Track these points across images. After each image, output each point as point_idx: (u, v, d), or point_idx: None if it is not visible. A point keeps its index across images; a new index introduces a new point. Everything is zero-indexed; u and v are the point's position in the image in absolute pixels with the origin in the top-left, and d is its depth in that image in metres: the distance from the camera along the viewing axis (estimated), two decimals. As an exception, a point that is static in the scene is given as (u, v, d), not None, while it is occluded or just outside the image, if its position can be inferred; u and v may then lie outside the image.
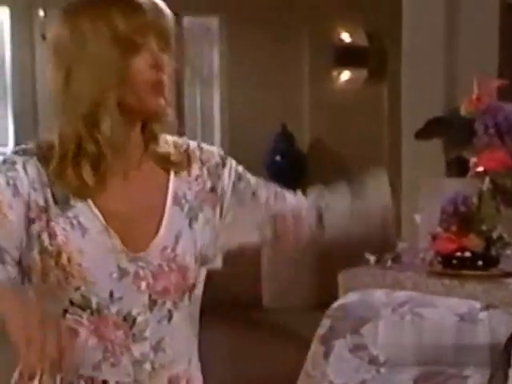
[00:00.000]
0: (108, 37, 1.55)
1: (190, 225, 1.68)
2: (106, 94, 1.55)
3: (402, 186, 5.38)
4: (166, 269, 1.62)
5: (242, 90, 7.10)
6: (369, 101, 7.20)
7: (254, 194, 1.78)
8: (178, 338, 1.67)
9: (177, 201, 1.67)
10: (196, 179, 1.71)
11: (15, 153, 1.62)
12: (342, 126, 7.15)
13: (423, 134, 4.97)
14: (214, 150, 1.80)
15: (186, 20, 7.04)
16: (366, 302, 2.05)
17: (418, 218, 4.40)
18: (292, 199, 1.81)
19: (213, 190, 1.72)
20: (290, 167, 7.04)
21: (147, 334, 1.62)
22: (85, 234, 1.57)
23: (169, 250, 1.63)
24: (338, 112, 7.15)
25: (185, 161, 1.70)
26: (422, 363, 1.91)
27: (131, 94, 1.57)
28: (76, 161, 1.57)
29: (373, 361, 1.94)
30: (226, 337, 5.72)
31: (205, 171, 1.73)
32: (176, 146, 1.71)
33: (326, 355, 1.99)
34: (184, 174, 1.70)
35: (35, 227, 1.57)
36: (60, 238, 1.56)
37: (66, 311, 1.58)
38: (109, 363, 1.60)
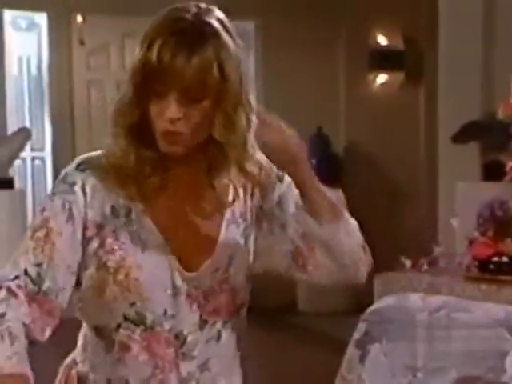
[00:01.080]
0: (133, 71, 1.54)
1: (246, 243, 1.66)
2: (121, 122, 1.56)
3: (438, 190, 5.35)
4: (218, 290, 1.62)
5: (278, 93, 7.11)
6: (405, 104, 7.17)
7: (282, 225, 1.66)
8: (224, 357, 1.67)
9: (234, 219, 1.65)
10: (251, 196, 1.68)
11: (78, 167, 1.59)
12: (377, 129, 7.13)
13: (460, 137, 4.94)
14: (269, 168, 1.68)
15: (222, 24, 7.07)
16: (402, 306, 2.04)
17: (454, 222, 4.38)
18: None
19: (261, 208, 1.69)
20: (325, 170, 7.01)
21: (195, 353, 1.62)
22: (144, 250, 1.57)
23: (221, 272, 1.62)
24: (374, 115, 7.13)
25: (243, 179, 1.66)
26: (459, 368, 1.90)
27: (154, 133, 1.57)
28: (137, 169, 1.57)
29: (409, 365, 1.93)
30: (263, 341, 5.73)
31: (258, 189, 1.68)
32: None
33: (362, 359, 1.99)
34: (241, 192, 1.67)
35: (92, 245, 1.57)
36: (119, 254, 1.56)
37: (119, 326, 1.59)
38: (157, 380, 1.60)
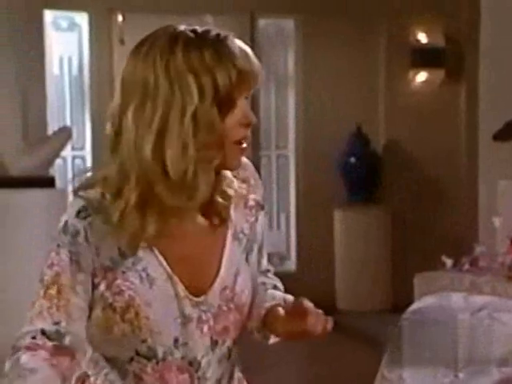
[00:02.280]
0: (210, 92, 1.47)
1: (247, 259, 1.65)
2: (208, 156, 1.50)
3: (479, 188, 5.30)
4: (225, 309, 1.61)
5: (317, 91, 7.09)
6: (446, 102, 7.11)
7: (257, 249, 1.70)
8: (230, 367, 1.67)
9: (236, 235, 1.63)
10: (251, 210, 1.67)
11: (78, 214, 1.54)
12: (418, 127, 7.08)
13: (502, 135, 4.89)
14: (262, 187, 1.70)
15: (261, 22, 7.07)
16: (443, 305, 2.02)
17: (496, 221, 4.33)
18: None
19: (256, 223, 1.69)
20: (364, 169, 6.99)
21: (209, 374, 1.62)
22: (152, 285, 1.55)
23: (228, 291, 1.60)
24: (414, 113, 7.08)
25: (243, 191, 1.65)
26: (500, 369, 1.88)
27: (217, 149, 1.51)
28: (141, 212, 1.51)
29: (450, 365, 1.91)
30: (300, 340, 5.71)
31: (255, 203, 1.68)
32: (236, 175, 1.63)
33: (403, 359, 1.97)
34: (241, 205, 1.65)
35: (100, 289, 1.55)
36: (127, 294, 1.54)
37: (132, 359, 1.58)
38: None
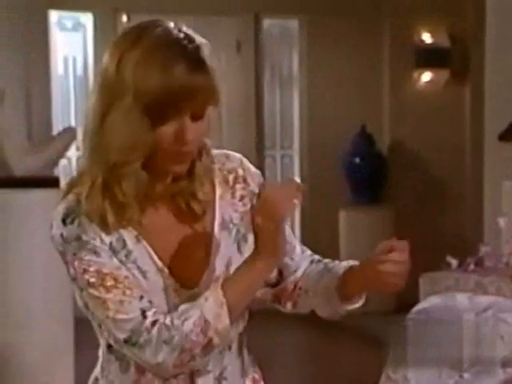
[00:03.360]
0: (144, 97, 1.48)
1: (239, 248, 1.64)
2: (127, 159, 1.51)
3: (484, 188, 5.29)
4: None
5: (322, 91, 7.09)
6: (450, 102, 7.10)
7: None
8: (238, 362, 1.67)
9: (224, 225, 1.63)
10: (241, 200, 1.66)
11: (64, 223, 1.56)
12: (422, 127, 7.07)
13: (507, 135, 4.88)
14: (256, 173, 1.70)
15: (266, 22, 7.07)
16: (448, 306, 2.02)
17: (501, 221, 4.33)
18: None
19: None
20: (369, 169, 6.98)
21: (210, 367, 1.61)
22: (145, 277, 1.56)
23: (219, 281, 1.59)
24: (419, 113, 7.07)
25: (229, 182, 1.65)
26: (506, 368, 1.87)
27: (156, 157, 1.52)
28: (102, 196, 1.54)
29: (455, 366, 1.90)
30: (307, 340, 5.72)
31: (249, 191, 1.67)
32: (220, 166, 1.65)
33: (407, 359, 1.97)
34: (228, 196, 1.65)
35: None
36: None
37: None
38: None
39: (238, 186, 1.66)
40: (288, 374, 5.24)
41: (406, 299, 4.67)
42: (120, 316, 1.52)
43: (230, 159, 1.68)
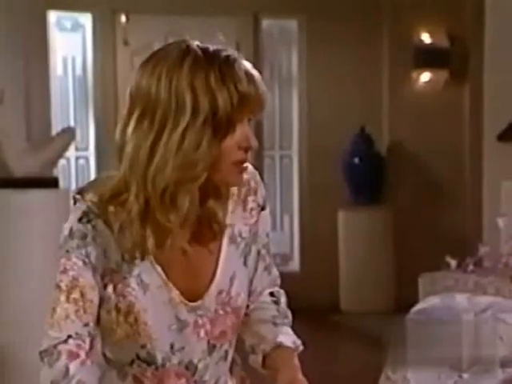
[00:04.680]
0: (205, 112, 1.47)
1: (245, 262, 1.65)
2: (190, 175, 1.48)
3: (483, 189, 5.29)
4: (222, 313, 1.61)
5: (321, 92, 7.08)
6: (449, 102, 7.10)
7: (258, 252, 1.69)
8: (233, 371, 1.69)
9: (233, 239, 1.63)
10: (251, 212, 1.66)
11: (81, 220, 1.55)
12: (421, 128, 7.07)
13: (506, 135, 4.89)
14: (263, 187, 1.70)
15: (265, 22, 7.07)
16: (448, 306, 2.02)
17: (500, 221, 4.33)
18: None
19: (257, 223, 1.68)
20: (368, 170, 6.98)
21: (207, 377, 1.63)
22: (146, 291, 1.56)
23: (224, 294, 1.61)
24: (418, 114, 7.07)
25: (241, 196, 1.65)
26: (505, 368, 1.87)
27: (215, 170, 1.51)
28: (141, 224, 1.51)
29: (455, 366, 1.90)
30: (305, 340, 5.71)
31: (257, 204, 1.67)
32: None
33: (407, 359, 1.97)
34: (239, 209, 1.65)
35: (107, 290, 1.57)
36: (129, 299, 1.56)
37: (132, 361, 1.59)
38: None
39: (249, 199, 1.66)
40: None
41: (406, 299, 4.66)
42: (53, 329, 1.54)
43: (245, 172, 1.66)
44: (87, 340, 1.54)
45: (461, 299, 1.97)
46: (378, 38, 7.09)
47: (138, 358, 1.58)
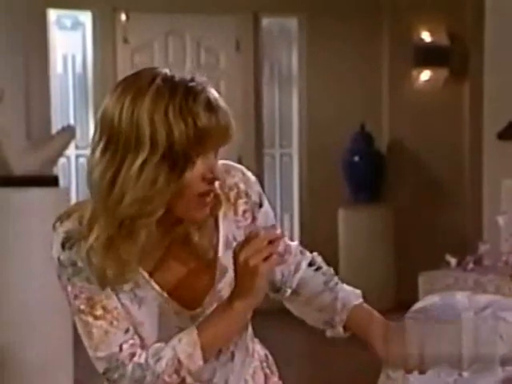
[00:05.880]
0: (163, 146, 1.43)
1: None
2: (147, 210, 1.45)
3: (483, 187, 5.29)
4: None
5: (321, 90, 7.08)
6: (449, 101, 7.10)
7: None
8: (239, 370, 1.69)
9: (229, 245, 1.61)
10: (243, 214, 1.65)
11: (63, 247, 1.54)
12: (421, 126, 7.07)
13: (506, 134, 4.88)
14: (256, 184, 1.68)
15: (265, 21, 7.07)
16: (447, 304, 2.02)
17: (500, 220, 4.33)
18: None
19: (255, 222, 1.67)
20: (368, 168, 6.98)
21: (216, 380, 1.64)
22: (141, 305, 1.56)
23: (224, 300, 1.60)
24: (418, 112, 7.07)
25: (230, 200, 1.63)
26: (506, 367, 1.87)
27: (176, 205, 1.48)
28: (105, 253, 1.50)
29: (454, 364, 1.90)
30: (305, 339, 5.71)
31: (250, 205, 1.66)
32: (221, 184, 1.60)
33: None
34: (230, 213, 1.63)
35: None
36: (125, 313, 1.56)
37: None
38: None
39: (240, 202, 1.64)
40: (286, 372, 5.24)
41: (405, 297, 4.67)
42: (100, 349, 1.53)
43: (231, 174, 1.64)
44: (137, 341, 1.54)
45: (461, 297, 1.97)
46: (378, 36, 7.08)
47: None
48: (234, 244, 1.60)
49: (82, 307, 1.55)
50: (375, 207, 6.96)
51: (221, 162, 1.61)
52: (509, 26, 5.00)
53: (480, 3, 5.44)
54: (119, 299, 1.55)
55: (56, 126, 6.30)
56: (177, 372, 1.52)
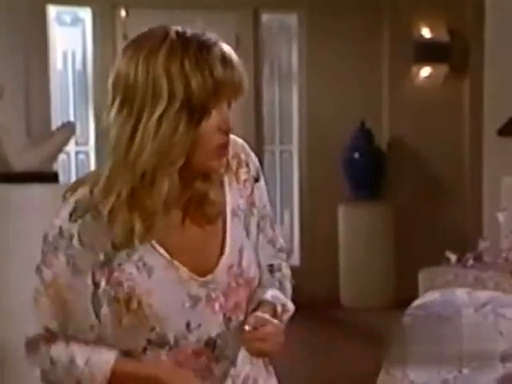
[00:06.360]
0: (180, 98, 1.49)
1: (247, 233, 1.68)
2: (168, 160, 1.51)
3: (483, 184, 5.29)
4: (234, 285, 1.62)
5: (321, 87, 7.08)
6: (449, 97, 7.10)
7: (258, 225, 1.72)
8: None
9: (235, 212, 1.66)
10: (244, 184, 1.69)
11: (70, 217, 1.58)
12: (422, 122, 7.06)
13: (506, 130, 4.88)
14: (255, 158, 1.73)
15: (265, 17, 7.06)
16: (448, 301, 2.02)
17: (500, 216, 4.33)
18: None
19: (253, 195, 1.71)
20: (368, 165, 6.98)
21: (228, 352, 1.63)
22: (151, 274, 1.57)
23: (235, 267, 1.62)
24: (418, 109, 7.07)
25: (232, 168, 1.68)
26: (505, 363, 1.87)
27: (195, 155, 1.53)
28: (129, 209, 1.53)
29: (454, 361, 1.90)
30: (305, 335, 5.72)
31: (250, 175, 1.70)
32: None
33: (407, 355, 1.97)
34: (234, 182, 1.67)
35: (101, 286, 1.58)
36: (127, 284, 1.57)
37: (145, 349, 1.60)
38: None
39: (241, 171, 1.69)
40: (286, 370, 5.24)
41: (405, 294, 4.67)
42: (41, 317, 1.61)
43: (233, 145, 1.68)
44: (57, 332, 1.61)
45: (461, 294, 1.97)
46: (378, 32, 7.08)
47: (150, 343, 1.59)
48: (239, 212, 1.65)
49: (45, 277, 1.60)
50: (375, 204, 6.96)
51: None
52: (509, 22, 4.99)
53: (480, -1, 5.43)
54: (124, 270, 1.56)
55: (56, 123, 6.30)
56: None
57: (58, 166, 6.08)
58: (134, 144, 1.50)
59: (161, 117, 1.49)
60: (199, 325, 1.59)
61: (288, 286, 1.77)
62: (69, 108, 6.75)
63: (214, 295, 1.61)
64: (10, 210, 4.29)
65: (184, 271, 1.59)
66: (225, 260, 1.62)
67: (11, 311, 4.24)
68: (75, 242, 1.58)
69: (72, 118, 6.59)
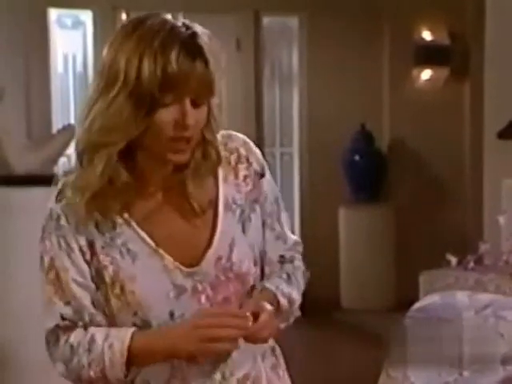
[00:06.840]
0: (131, 85, 1.51)
1: (244, 229, 1.66)
2: (108, 139, 1.54)
3: (483, 187, 5.29)
4: (223, 279, 1.61)
5: (321, 89, 7.08)
6: (450, 100, 7.10)
7: (264, 222, 1.71)
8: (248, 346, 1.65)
9: (228, 206, 1.64)
10: (244, 179, 1.68)
11: (56, 198, 1.63)
12: (422, 125, 7.07)
13: (507, 133, 4.89)
14: (258, 154, 1.71)
15: (266, 19, 7.07)
16: (448, 303, 2.02)
17: (501, 219, 4.33)
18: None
19: (256, 191, 1.70)
20: (368, 167, 6.98)
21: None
22: (135, 260, 1.57)
23: (223, 261, 1.61)
24: (419, 111, 7.07)
25: (231, 163, 1.67)
26: (506, 366, 1.87)
27: (152, 144, 1.55)
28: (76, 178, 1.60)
29: (455, 364, 1.91)
30: (305, 337, 5.72)
31: (252, 171, 1.69)
32: (222, 147, 1.65)
33: (407, 357, 1.97)
34: (231, 177, 1.66)
35: (94, 264, 1.60)
36: (111, 269, 1.58)
37: (133, 333, 1.59)
38: (178, 379, 1.61)
39: (240, 166, 1.67)
40: (287, 371, 5.24)
41: (406, 297, 4.67)
42: (46, 311, 1.62)
43: (233, 139, 1.68)
44: (80, 318, 1.60)
45: (461, 297, 1.97)
46: (378, 35, 7.08)
47: (136, 326, 1.58)
48: (234, 206, 1.64)
49: (44, 264, 1.61)
50: (376, 206, 6.96)
51: (226, 131, 1.67)
52: (509, 25, 5.00)
53: (480, 2, 5.44)
54: (107, 252, 1.58)
55: (56, 125, 6.29)
56: (102, 373, 1.56)
57: (59, 168, 6.09)
58: (89, 117, 1.55)
59: (113, 98, 1.52)
60: (183, 314, 1.58)
61: (299, 278, 1.77)
62: (69, 110, 6.75)
63: (200, 287, 1.60)
64: (11, 213, 4.30)
65: (169, 260, 1.58)
66: (212, 252, 1.61)
67: (11, 312, 4.24)
68: (63, 221, 1.60)
69: (73, 121, 6.59)
